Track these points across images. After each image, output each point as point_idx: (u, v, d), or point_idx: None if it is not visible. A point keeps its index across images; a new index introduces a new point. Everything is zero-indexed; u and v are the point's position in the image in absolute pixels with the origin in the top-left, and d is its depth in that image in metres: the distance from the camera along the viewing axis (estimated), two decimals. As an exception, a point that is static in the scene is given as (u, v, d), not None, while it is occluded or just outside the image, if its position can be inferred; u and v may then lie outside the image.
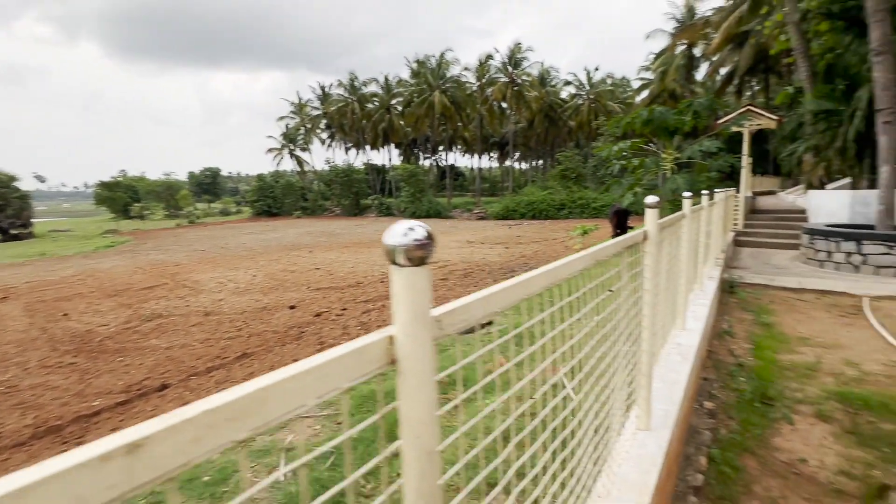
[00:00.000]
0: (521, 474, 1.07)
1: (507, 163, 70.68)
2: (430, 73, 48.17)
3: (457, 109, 49.49)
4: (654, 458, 1.87)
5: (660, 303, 2.81)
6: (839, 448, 2.77)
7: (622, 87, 55.11)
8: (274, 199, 52.58)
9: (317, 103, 58.24)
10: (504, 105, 50.95)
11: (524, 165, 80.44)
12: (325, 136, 61.73)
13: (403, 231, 0.54)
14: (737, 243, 10.67)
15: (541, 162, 69.33)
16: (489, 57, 48.59)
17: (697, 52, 38.12)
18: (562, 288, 1.40)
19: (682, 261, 3.53)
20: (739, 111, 10.90)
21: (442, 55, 48.06)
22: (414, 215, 47.29)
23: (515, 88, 47.08)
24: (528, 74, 47.75)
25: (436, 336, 0.58)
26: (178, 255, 19.30)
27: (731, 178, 13.10)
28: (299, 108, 58.45)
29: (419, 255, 0.53)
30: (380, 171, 65.05)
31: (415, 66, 51.10)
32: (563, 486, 1.48)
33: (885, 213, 7.65)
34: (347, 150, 63.67)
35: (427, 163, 72.46)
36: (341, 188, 49.88)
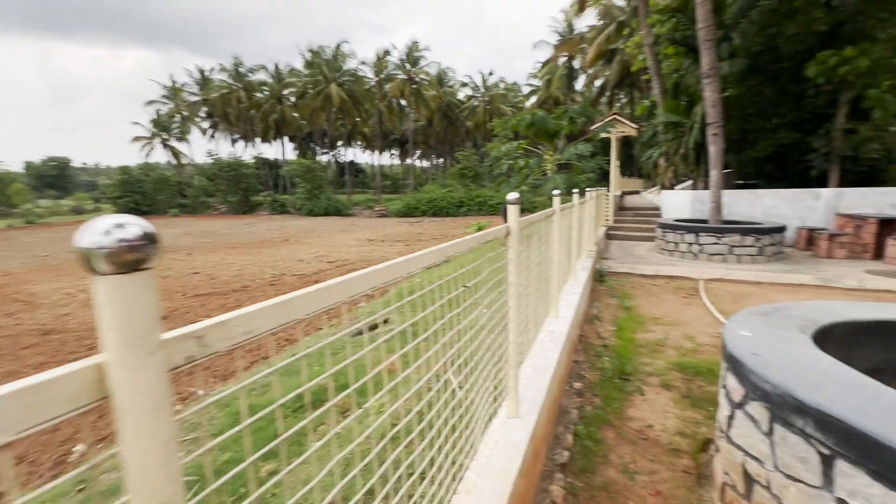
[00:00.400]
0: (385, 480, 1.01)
1: (409, 160, 70.95)
2: (325, 65, 46.12)
3: (354, 104, 48.20)
4: (520, 445, 1.96)
5: (531, 294, 2.98)
6: (677, 411, 3.21)
7: (514, 92, 58.56)
8: (143, 194, 45.93)
9: (195, 88, 52.13)
10: (403, 102, 51.00)
11: (426, 163, 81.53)
12: (206, 125, 55.61)
13: (105, 228, 0.41)
14: (608, 236, 12.00)
15: (441, 160, 70.88)
16: (387, 52, 48.16)
17: (577, 64, 42.13)
18: (422, 285, 1.36)
19: (553, 255, 3.79)
20: (607, 119, 12.29)
21: (338, 47, 46.41)
22: (311, 213, 45.05)
23: (414, 86, 47.37)
24: (426, 73, 48.27)
25: (174, 363, 0.47)
26: (8, 264, 15.83)
27: (606, 178, 14.72)
28: (174, 92, 51.75)
29: (130, 258, 0.41)
30: (272, 165, 60.50)
31: (309, 55, 48.51)
32: (432, 482, 1.46)
33: (715, 210, 9.20)
34: (234, 141, 58.23)
35: (325, 158, 69.56)
36: (227, 184, 45.42)
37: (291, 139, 67.71)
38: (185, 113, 52.38)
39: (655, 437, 2.90)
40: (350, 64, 48.19)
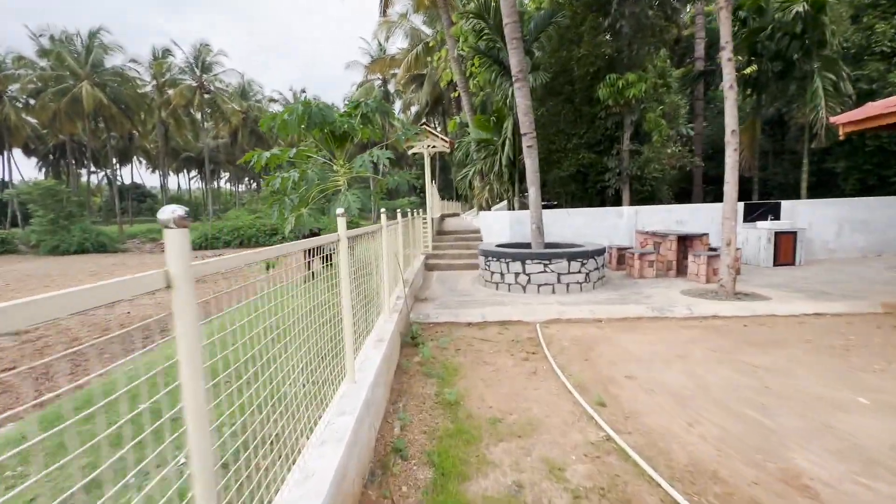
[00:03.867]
0: None
1: (214, 183, 60.73)
2: (72, 57, 35.22)
3: (124, 111, 38.17)
4: None
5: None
6: None
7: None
8: None
9: None
10: (196, 114, 42.72)
11: (240, 187, 71.17)
12: None
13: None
14: (427, 267, 10.09)
15: (255, 184, 62.71)
16: (167, 52, 39.77)
17: (392, 87, 41.89)
18: None
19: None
20: (416, 130, 10.62)
21: (93, 36, 36.05)
22: (57, 250, 33.37)
23: (207, 95, 40.05)
24: (222, 81, 41.56)
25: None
26: None
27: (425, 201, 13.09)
28: None
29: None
30: (-11, 187, 43.93)
31: (46, 42, 36.52)
32: None
33: (537, 232, 8.04)
34: (-88, 153, 40.16)
35: (93, 180, 54.33)
36: None
37: (30, 152, 50.67)
38: None
39: None
40: (114, 60, 38.16)
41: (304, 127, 6.10)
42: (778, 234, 9.08)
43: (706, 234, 8.38)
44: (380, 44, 33.02)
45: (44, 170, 54.72)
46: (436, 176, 39.33)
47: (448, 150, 11.52)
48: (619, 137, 11.45)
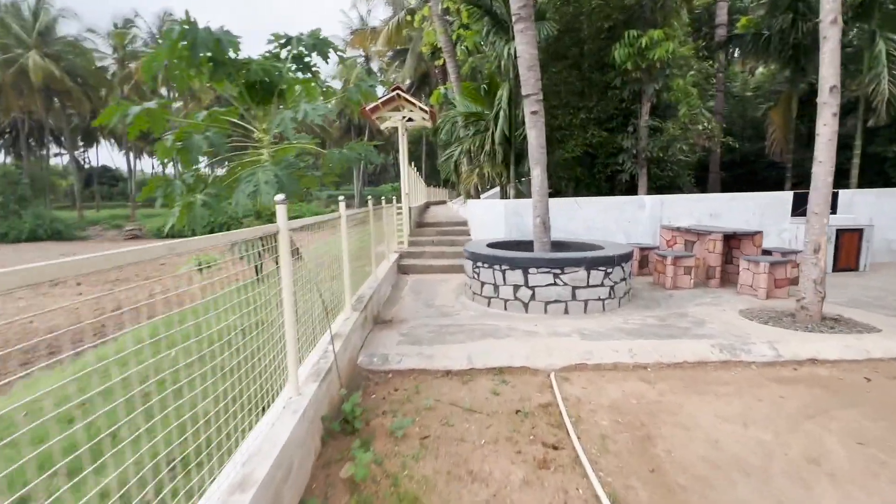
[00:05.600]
0: None
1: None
2: (17, 24, 31.79)
3: (81, 87, 34.89)
4: None
5: None
6: None
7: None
8: None
9: None
10: (162, 90, 39.46)
11: (220, 170, 67.67)
12: None
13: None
14: (400, 268, 8.05)
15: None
16: (129, 22, 36.41)
17: (376, 66, 39.20)
18: None
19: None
20: (387, 95, 8.46)
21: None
22: (6, 239, 30.58)
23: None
24: (190, 55, 38.29)
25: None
26: None
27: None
28: None
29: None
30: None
31: (-12, 7, 32.87)
32: None
33: (542, 227, 6.05)
34: None
35: (60, 161, 50.86)
36: None
37: (-20, 131, 46.84)
38: None
39: None
40: (68, 29, 34.81)
41: (191, 67, 3.97)
42: (840, 232, 7.24)
43: (759, 233, 6.47)
44: (361, 17, 30.33)
45: (2, 151, 50.85)
46: (421, 161, 37.01)
47: (430, 125, 9.42)
48: (637, 111, 9.46)
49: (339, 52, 4.81)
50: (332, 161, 4.42)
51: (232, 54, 4.33)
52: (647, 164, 9.52)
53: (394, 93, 8.46)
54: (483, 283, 5.70)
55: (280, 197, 2.35)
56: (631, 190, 10.27)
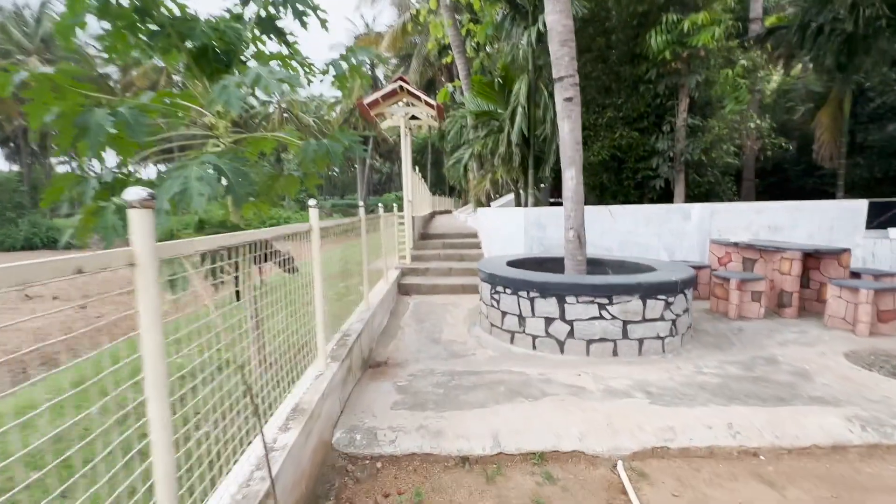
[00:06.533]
0: None
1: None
2: (19, 29, 31.46)
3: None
4: None
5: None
6: None
7: (317, 102, 52.53)
8: None
9: None
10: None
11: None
12: None
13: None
14: (401, 289, 6.85)
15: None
16: (132, 28, 35.92)
17: (381, 73, 38.51)
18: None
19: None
20: (388, 88, 7.34)
21: (44, 5, 32.28)
22: (0, 247, 30.05)
23: (177, 76, 36.39)
24: (192, 62, 37.92)
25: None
26: None
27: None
28: None
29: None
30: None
31: (-8, 14, 32.57)
32: None
33: (577, 243, 4.84)
34: None
35: (70, 169, 50.36)
36: None
37: (-14, 139, 46.59)
38: None
39: None
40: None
41: (131, 30, 2.88)
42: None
43: (847, 251, 5.21)
44: (366, 23, 29.63)
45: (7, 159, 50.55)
46: (427, 170, 36.02)
47: (436, 123, 8.29)
48: (673, 108, 8.29)
49: (320, 13, 3.66)
50: (308, 155, 3.25)
51: (178, 12, 3.21)
52: (685, 168, 8.31)
53: (396, 84, 7.34)
54: (504, 314, 4.48)
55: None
56: (663, 198, 9.06)
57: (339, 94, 44.19)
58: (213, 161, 2.59)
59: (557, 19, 4.59)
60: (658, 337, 4.07)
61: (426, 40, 20.94)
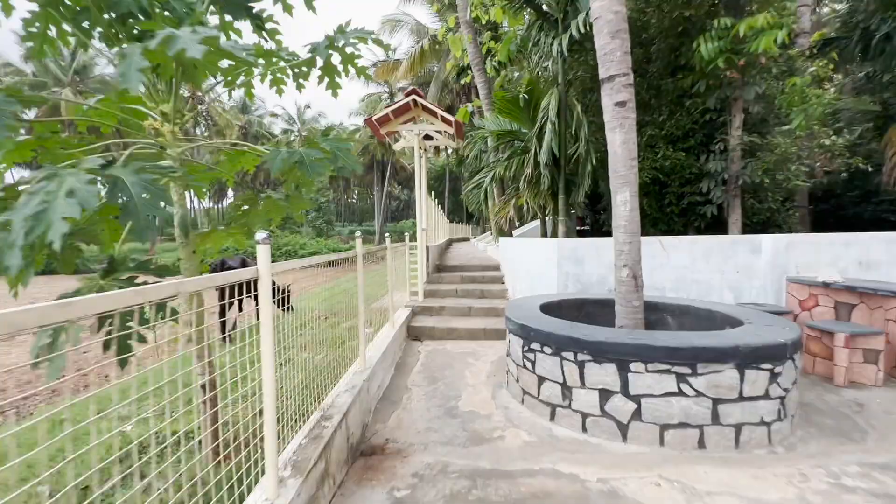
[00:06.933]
0: None
1: (213, 202, 58.14)
2: (55, 63, 32.84)
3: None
4: None
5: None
6: None
7: (336, 130, 53.55)
8: None
9: None
10: (187, 126, 39.96)
11: (224, 202, 68.59)
12: None
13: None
14: (411, 333, 5.80)
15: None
16: (161, 61, 37.23)
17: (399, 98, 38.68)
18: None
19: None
20: (400, 102, 6.54)
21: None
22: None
23: (201, 106, 37.27)
24: (216, 92, 39.06)
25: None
26: None
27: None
28: None
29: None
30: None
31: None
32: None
33: (632, 284, 3.77)
34: None
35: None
36: None
37: (21, 166, 48.55)
38: None
39: None
40: (107, 69, 36.07)
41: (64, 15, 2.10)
42: None
43: None
44: (386, 51, 29.84)
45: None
46: (444, 197, 35.41)
47: (454, 143, 7.44)
48: (726, 124, 7.25)
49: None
50: (275, 165, 2.33)
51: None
52: (742, 193, 7.19)
53: (409, 98, 6.54)
54: (542, 379, 3.39)
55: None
56: (712, 227, 7.90)
57: (357, 121, 44.86)
58: (96, 172, 1.68)
59: (606, 5, 3.68)
60: (762, 422, 2.91)
61: (444, 65, 20.61)
